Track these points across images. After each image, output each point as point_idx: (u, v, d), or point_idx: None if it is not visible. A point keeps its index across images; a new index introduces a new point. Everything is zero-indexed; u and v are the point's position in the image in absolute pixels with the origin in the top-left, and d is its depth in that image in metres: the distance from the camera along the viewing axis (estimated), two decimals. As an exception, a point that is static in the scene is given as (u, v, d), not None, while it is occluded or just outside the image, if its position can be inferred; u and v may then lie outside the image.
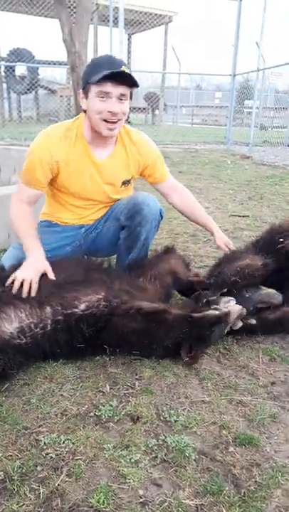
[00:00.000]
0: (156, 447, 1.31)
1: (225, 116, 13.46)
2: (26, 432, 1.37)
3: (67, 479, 1.20)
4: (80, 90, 1.97)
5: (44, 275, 1.82)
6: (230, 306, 1.83)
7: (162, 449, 1.31)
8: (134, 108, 15.65)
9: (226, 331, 1.86)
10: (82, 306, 1.69)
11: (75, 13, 6.54)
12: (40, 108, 16.03)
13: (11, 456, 1.27)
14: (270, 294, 1.99)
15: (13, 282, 1.76)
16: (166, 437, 1.35)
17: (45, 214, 2.28)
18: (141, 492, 1.17)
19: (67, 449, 1.29)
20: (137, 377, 1.67)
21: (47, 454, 1.28)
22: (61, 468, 1.23)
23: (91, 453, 1.28)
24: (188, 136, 12.56)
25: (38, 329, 1.62)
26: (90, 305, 1.70)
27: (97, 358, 1.77)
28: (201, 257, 2.96)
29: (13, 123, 14.39)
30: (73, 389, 1.58)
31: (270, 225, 2.47)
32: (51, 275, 1.83)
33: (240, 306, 1.84)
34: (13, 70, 14.57)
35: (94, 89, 1.87)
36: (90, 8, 6.79)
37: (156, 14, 14.41)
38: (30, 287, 1.74)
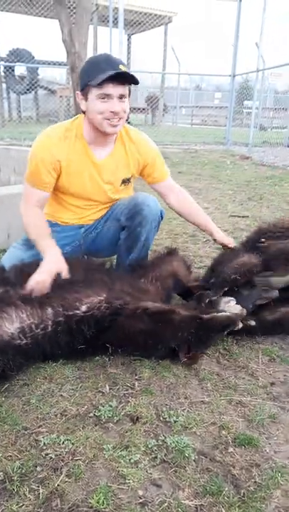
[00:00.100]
0: (155, 448, 1.31)
1: (224, 117, 13.47)
2: (26, 432, 1.37)
3: (66, 480, 1.19)
4: (79, 92, 1.97)
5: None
6: (230, 306, 1.83)
7: (162, 450, 1.31)
8: (134, 108, 15.66)
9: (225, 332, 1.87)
10: (84, 308, 1.69)
11: (74, 13, 6.54)
12: (40, 108, 16.03)
13: (10, 456, 1.27)
14: (267, 289, 1.99)
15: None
16: (165, 438, 1.35)
17: (45, 214, 2.28)
18: (140, 492, 1.17)
19: (66, 450, 1.29)
20: (136, 377, 1.67)
21: (46, 454, 1.28)
22: (61, 468, 1.23)
23: (91, 453, 1.28)
24: (188, 136, 12.56)
25: (39, 330, 1.62)
26: (91, 306, 1.69)
27: (97, 358, 1.77)
28: (201, 258, 2.96)
29: (12, 123, 14.39)
30: (73, 389, 1.58)
31: (259, 225, 2.49)
32: (65, 274, 1.84)
33: (240, 307, 1.85)
34: (13, 70, 14.58)
35: (95, 92, 1.87)
36: (89, 9, 6.79)
37: (155, 15, 14.40)
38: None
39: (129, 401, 1.52)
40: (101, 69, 1.82)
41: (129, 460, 1.26)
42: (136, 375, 1.68)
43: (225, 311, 1.80)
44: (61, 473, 1.21)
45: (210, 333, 1.76)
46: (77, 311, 1.68)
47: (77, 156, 2.04)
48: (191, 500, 1.15)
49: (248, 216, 4.13)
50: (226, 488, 1.18)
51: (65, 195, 2.16)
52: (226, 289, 1.94)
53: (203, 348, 1.79)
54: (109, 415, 1.44)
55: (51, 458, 1.26)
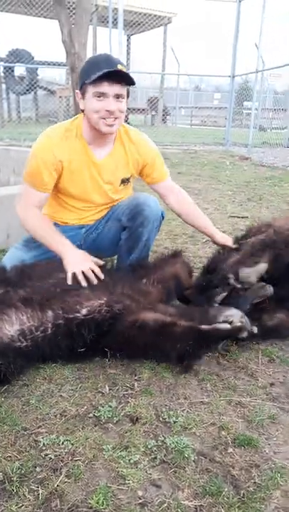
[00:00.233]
0: (155, 448, 1.31)
1: (224, 118, 13.46)
2: (25, 432, 1.36)
3: (66, 480, 1.19)
4: (78, 91, 1.98)
5: (47, 275, 1.83)
6: (230, 315, 1.80)
7: (161, 450, 1.31)
8: (134, 109, 15.66)
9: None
10: (84, 311, 1.69)
11: (74, 14, 6.53)
12: (40, 109, 16.04)
13: (10, 457, 1.27)
14: (260, 286, 1.99)
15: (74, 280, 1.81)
16: (165, 438, 1.35)
17: (45, 215, 2.28)
18: (140, 493, 1.17)
19: (66, 450, 1.29)
20: (136, 378, 1.67)
21: (46, 454, 1.27)
22: (60, 469, 1.23)
23: (90, 454, 1.28)
24: (188, 137, 12.58)
25: (39, 332, 1.61)
26: (91, 310, 1.69)
27: (97, 358, 1.77)
28: (200, 258, 2.96)
29: (12, 123, 14.38)
30: (72, 390, 1.58)
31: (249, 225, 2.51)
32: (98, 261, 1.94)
33: (240, 316, 1.80)
34: (12, 71, 14.58)
35: (91, 90, 1.88)
36: (89, 9, 6.79)
37: (155, 15, 14.43)
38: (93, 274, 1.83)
39: (128, 401, 1.52)
40: (99, 68, 1.83)
41: (129, 460, 1.26)
42: (135, 375, 1.68)
43: (226, 321, 1.77)
44: (61, 473, 1.21)
45: (209, 343, 1.76)
46: (78, 315, 1.67)
47: (78, 156, 2.04)
48: (191, 501, 1.15)
49: (247, 217, 4.13)
50: (226, 489, 1.18)
51: (65, 196, 2.16)
52: (233, 287, 1.95)
53: (199, 357, 1.76)
54: (109, 416, 1.44)
55: (51, 458, 1.26)
